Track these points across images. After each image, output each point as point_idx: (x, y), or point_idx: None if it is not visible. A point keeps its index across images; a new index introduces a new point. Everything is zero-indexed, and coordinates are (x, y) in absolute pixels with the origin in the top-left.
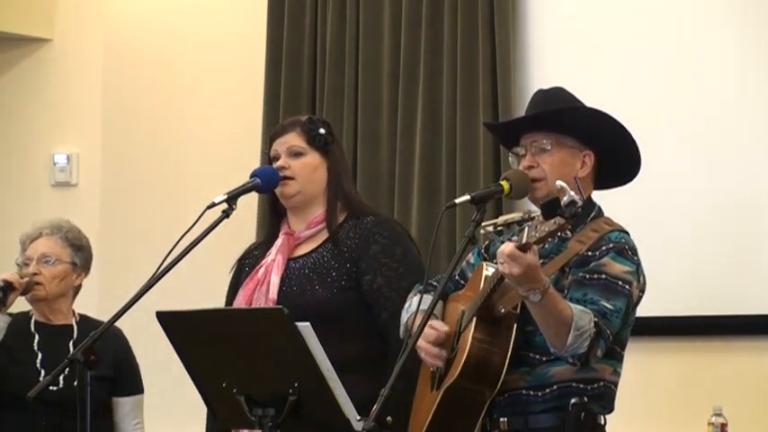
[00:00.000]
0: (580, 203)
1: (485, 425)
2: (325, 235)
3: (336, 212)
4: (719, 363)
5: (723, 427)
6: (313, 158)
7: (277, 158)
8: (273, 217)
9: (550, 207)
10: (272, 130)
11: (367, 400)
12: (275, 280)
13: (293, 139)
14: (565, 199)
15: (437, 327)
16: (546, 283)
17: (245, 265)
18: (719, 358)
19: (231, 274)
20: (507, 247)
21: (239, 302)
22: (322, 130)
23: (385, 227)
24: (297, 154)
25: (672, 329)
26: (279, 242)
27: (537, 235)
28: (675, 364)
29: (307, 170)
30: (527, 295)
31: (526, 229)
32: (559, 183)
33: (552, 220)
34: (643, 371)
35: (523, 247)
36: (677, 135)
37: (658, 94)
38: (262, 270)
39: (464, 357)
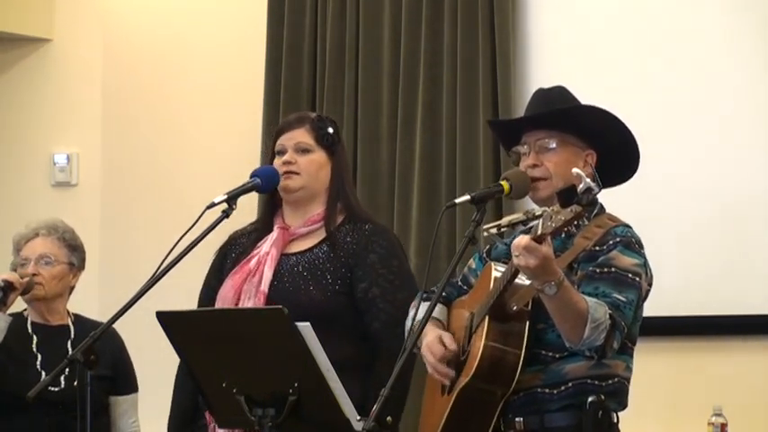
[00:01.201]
0: (597, 190)
1: (498, 425)
2: (321, 234)
3: (336, 213)
4: (719, 363)
5: (723, 427)
6: (319, 156)
7: (282, 153)
8: (268, 209)
9: (567, 195)
10: (279, 124)
11: (356, 401)
12: (268, 274)
13: (301, 136)
14: (581, 186)
15: (447, 344)
16: (560, 275)
17: (231, 252)
18: (719, 358)
19: (212, 260)
20: (523, 240)
21: (227, 291)
22: (330, 130)
23: (383, 237)
24: (304, 150)
25: (671, 329)
26: (274, 235)
27: (553, 225)
28: (675, 364)
29: (313, 167)
30: (543, 288)
31: (541, 221)
32: (576, 170)
33: (569, 209)
34: (643, 371)
35: (539, 239)
36: (676, 135)
37: (658, 94)
38: (254, 261)
39: (478, 358)
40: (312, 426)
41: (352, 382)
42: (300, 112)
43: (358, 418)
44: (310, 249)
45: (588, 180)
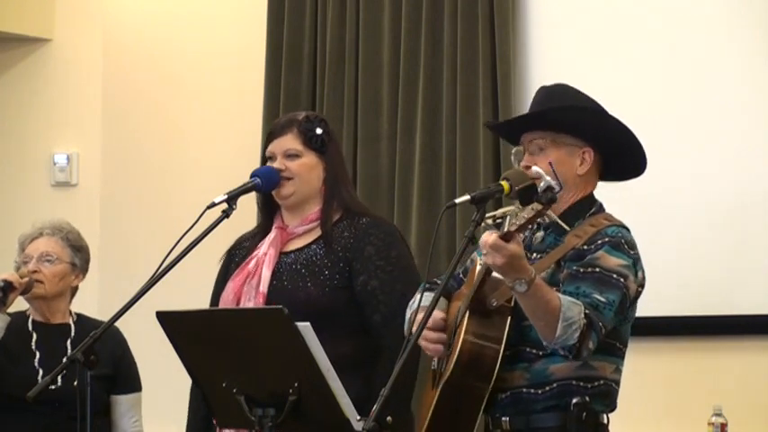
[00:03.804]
0: (558, 189)
1: (487, 424)
2: (318, 232)
3: (332, 211)
4: (719, 363)
5: (723, 427)
6: (309, 159)
7: (272, 159)
8: (266, 211)
9: (527, 193)
10: (270, 127)
11: (356, 399)
12: (266, 274)
13: (289, 142)
14: (542, 185)
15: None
16: (531, 273)
17: (235, 256)
18: (719, 358)
19: (220, 265)
20: (490, 238)
21: (228, 294)
22: (319, 131)
23: (380, 229)
24: (293, 156)
25: (672, 330)
26: (271, 236)
27: (517, 222)
28: (675, 364)
29: (303, 170)
30: (513, 285)
31: (507, 219)
32: (535, 168)
33: (530, 207)
34: (643, 371)
35: (506, 237)
36: (678, 134)
37: (660, 94)
38: (252, 262)
39: (457, 351)
40: (312, 426)
41: (353, 380)
42: (291, 113)
43: (358, 418)
44: (307, 246)
45: (548, 178)
